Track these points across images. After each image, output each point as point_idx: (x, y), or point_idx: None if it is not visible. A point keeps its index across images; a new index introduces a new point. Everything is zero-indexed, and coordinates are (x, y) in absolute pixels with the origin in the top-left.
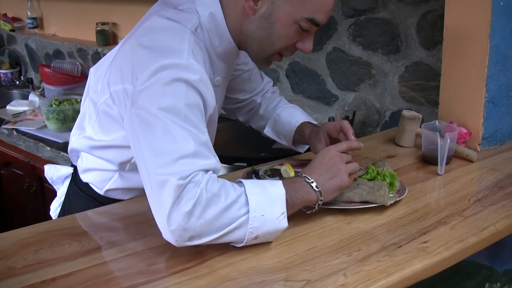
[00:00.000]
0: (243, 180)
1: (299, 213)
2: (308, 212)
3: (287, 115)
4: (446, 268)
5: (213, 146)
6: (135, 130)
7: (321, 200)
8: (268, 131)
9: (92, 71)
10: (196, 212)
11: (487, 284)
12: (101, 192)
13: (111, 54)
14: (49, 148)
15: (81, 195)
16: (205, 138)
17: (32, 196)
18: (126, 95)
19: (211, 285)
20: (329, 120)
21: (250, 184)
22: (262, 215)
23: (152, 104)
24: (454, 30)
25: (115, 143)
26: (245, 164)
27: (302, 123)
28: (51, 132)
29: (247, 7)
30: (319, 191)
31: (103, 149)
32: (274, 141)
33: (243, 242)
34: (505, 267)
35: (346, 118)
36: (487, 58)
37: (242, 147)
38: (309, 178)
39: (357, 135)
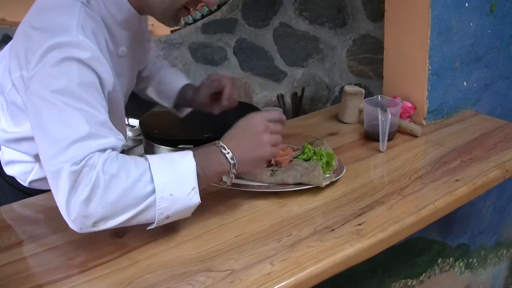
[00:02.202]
0: (148, 156)
1: (229, 197)
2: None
3: (172, 77)
4: (384, 249)
5: (158, 129)
6: (32, 118)
7: (233, 174)
8: (151, 91)
9: None
10: (95, 197)
11: (439, 259)
12: (25, 184)
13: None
14: None
15: (8, 187)
16: (103, 117)
17: None
18: (23, 81)
19: (131, 278)
20: (277, 98)
21: (156, 161)
22: (171, 195)
23: (44, 88)
24: (395, 1)
25: (26, 134)
26: (191, 146)
27: (185, 85)
28: None
29: None
30: (234, 163)
31: (17, 141)
32: (219, 122)
33: (154, 223)
34: (457, 241)
35: (295, 94)
36: (429, 29)
37: (186, 129)
38: (226, 148)
39: (307, 112)
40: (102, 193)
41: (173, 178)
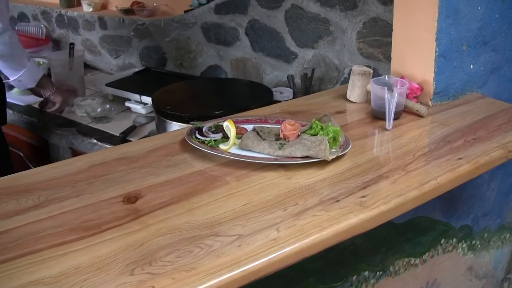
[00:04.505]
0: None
1: (238, 169)
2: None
3: None
4: (386, 222)
5: (170, 106)
6: None
7: None
8: None
9: None
10: None
11: (442, 240)
12: None
13: None
14: (11, 111)
15: None
16: None
17: None
18: None
19: (142, 241)
20: (287, 78)
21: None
22: None
23: None
24: None
25: None
26: (202, 123)
27: None
28: (14, 95)
29: None
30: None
31: None
32: (230, 100)
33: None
34: (461, 223)
35: (305, 75)
36: (437, 12)
37: (198, 106)
38: None
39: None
40: None
41: None
